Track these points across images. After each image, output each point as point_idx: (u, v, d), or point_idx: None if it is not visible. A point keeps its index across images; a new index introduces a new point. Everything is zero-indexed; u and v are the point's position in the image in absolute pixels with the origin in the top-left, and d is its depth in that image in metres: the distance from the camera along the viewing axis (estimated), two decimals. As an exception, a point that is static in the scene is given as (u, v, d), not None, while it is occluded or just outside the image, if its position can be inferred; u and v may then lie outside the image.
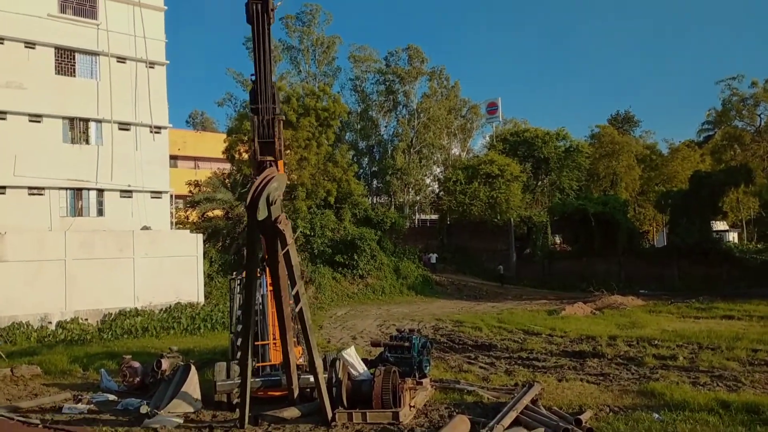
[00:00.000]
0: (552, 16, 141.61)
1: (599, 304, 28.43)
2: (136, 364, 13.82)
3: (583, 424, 9.07)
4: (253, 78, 8.44)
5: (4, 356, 17.50)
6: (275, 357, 12.09)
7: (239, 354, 11.22)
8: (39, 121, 27.15)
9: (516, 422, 9.28)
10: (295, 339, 11.70)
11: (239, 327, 12.26)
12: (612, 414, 10.06)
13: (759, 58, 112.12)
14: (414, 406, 10.65)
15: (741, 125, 46.34)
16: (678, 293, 34.96)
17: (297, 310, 9.32)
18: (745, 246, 50.47)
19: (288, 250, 8.62)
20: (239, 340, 11.03)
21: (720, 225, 54.86)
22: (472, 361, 15.94)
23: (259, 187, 7.81)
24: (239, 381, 11.11)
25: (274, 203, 7.87)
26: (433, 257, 47.80)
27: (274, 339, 12.09)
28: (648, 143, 63.91)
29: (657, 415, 9.76)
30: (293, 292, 9.24)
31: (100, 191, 28.55)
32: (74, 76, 28.27)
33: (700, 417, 9.52)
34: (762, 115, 44.24)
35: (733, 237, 57.59)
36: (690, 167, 51.31)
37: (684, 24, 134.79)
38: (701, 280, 38.85)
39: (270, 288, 12.28)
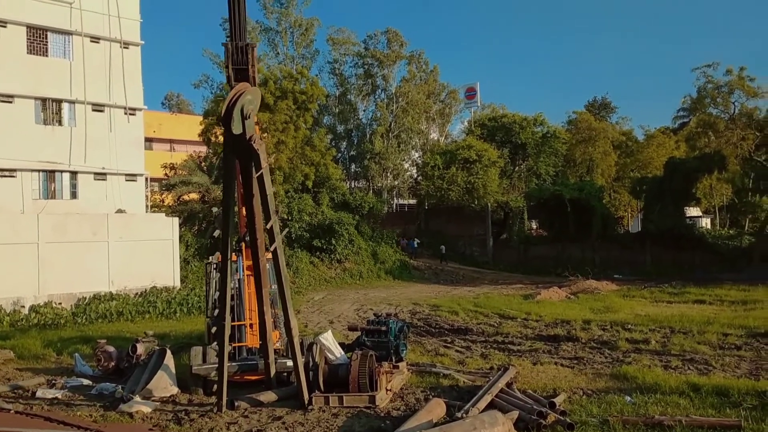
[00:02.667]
0: (531, 1, 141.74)
1: (574, 289, 28.77)
2: (111, 349, 13.70)
3: (557, 407, 9.18)
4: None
5: None
6: (252, 340, 12.08)
7: (215, 337, 11.22)
8: (10, 102, 26.57)
9: (491, 405, 9.37)
10: (273, 322, 11.69)
11: (215, 311, 12.23)
12: (585, 397, 10.21)
13: (734, 46, 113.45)
14: (390, 390, 10.71)
15: (715, 112, 46.82)
16: (651, 278, 35.53)
17: (272, 248, 9.44)
18: (717, 232, 51.35)
19: (262, 173, 8.69)
20: (215, 323, 11.04)
21: (693, 211, 55.73)
22: (449, 345, 16.06)
23: (233, 99, 7.91)
24: (215, 365, 11.10)
25: (248, 117, 8.01)
26: (415, 242, 47.89)
27: (251, 322, 12.08)
28: (624, 129, 64.44)
29: (629, 398, 9.92)
30: (267, 226, 9.27)
31: (74, 173, 28.09)
32: (47, 55, 27.66)
33: (671, 400, 9.70)
34: (736, 103, 44.69)
35: (705, 223, 58.53)
36: (665, 154, 51.85)
37: (661, 10, 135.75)
38: (674, 265, 39.51)
39: (247, 272, 12.26)
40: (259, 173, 8.71)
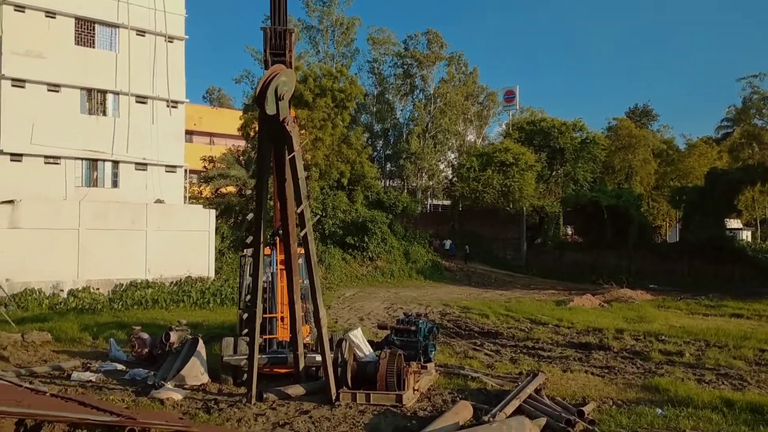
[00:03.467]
0: (573, 6, 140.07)
1: (608, 297, 28.37)
2: (145, 336, 13.97)
3: (586, 415, 9.09)
4: None
5: (12, 322, 17.72)
6: (282, 334, 12.20)
7: (247, 329, 11.38)
8: (57, 91, 27.30)
9: (519, 410, 9.32)
10: (304, 316, 11.80)
11: (248, 304, 12.39)
12: (615, 407, 10.07)
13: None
14: (418, 390, 10.71)
15: (761, 123, 45.80)
16: (688, 289, 34.81)
17: (302, 234, 9.48)
18: (758, 245, 50.13)
19: (294, 157, 8.73)
20: (247, 312, 11.20)
21: (734, 223, 54.47)
22: (478, 348, 15.98)
23: (268, 80, 7.94)
24: (246, 356, 11.24)
25: (282, 99, 8.01)
26: (448, 243, 47.70)
27: (282, 316, 12.20)
28: (665, 138, 63.24)
29: (660, 410, 9.76)
30: (298, 211, 9.32)
31: (116, 163, 28.73)
32: (93, 47, 28.36)
33: (703, 414, 9.50)
34: (782, 114, 43.79)
35: (746, 236, 57.20)
36: (706, 164, 50.81)
37: (708, 18, 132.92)
38: (712, 277, 38.65)
39: (280, 266, 12.39)
40: (291, 156, 8.74)
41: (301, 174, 9.03)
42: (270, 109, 7.97)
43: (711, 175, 43.64)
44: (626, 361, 14.29)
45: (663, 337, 17.32)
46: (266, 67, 8.53)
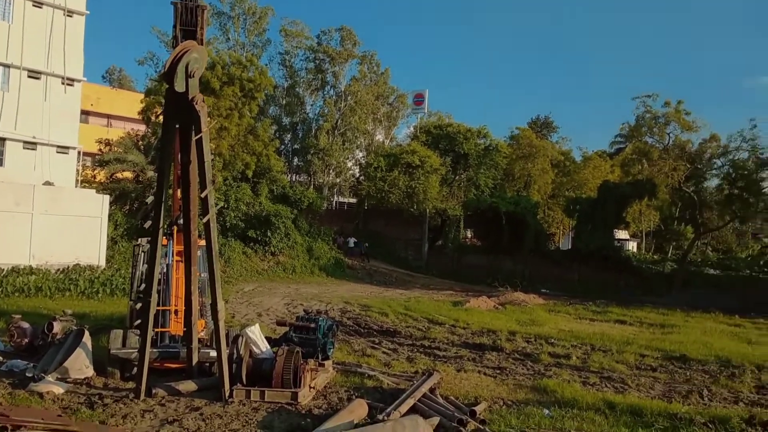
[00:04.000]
0: (483, 16, 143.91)
1: (502, 300, 29.27)
2: (26, 325, 13.09)
3: (478, 415, 9.29)
4: None
5: None
6: (176, 327, 11.78)
7: (138, 321, 10.90)
8: (-61, 59, 25.24)
9: (413, 409, 9.40)
10: (200, 310, 11.43)
11: (140, 295, 11.88)
12: (505, 407, 10.34)
13: (675, 78, 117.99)
14: (314, 388, 10.62)
15: (651, 141, 48.51)
16: (577, 295, 36.49)
17: (204, 220, 9.19)
18: (642, 256, 53.30)
19: (201, 137, 8.45)
20: (139, 304, 10.74)
21: (622, 234, 57.59)
22: (376, 346, 16.05)
23: (178, 55, 7.63)
24: (135, 350, 10.76)
25: (192, 76, 7.73)
26: (351, 241, 47.74)
27: (176, 308, 11.79)
28: (563, 149, 66.07)
29: (547, 411, 10.11)
30: (202, 195, 8.99)
31: (2, 140, 26.88)
32: (-16, 15, 26.42)
33: (587, 415, 9.92)
34: (671, 134, 46.41)
35: (632, 246, 60.69)
36: (600, 176, 53.44)
37: (611, 38, 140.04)
38: (599, 284, 40.71)
39: (176, 258, 11.95)
40: (198, 136, 8.46)
41: (207, 157, 8.73)
42: (179, 86, 7.68)
43: (603, 187, 45.98)
44: (517, 363, 14.75)
45: (552, 340, 18.02)
46: (176, 44, 8.16)
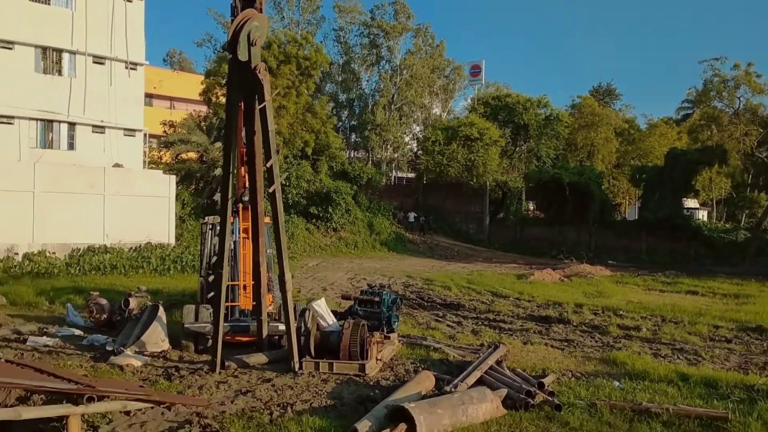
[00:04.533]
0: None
1: (568, 272, 28.83)
2: (104, 301, 13.67)
3: (546, 387, 9.19)
4: None
5: None
6: (245, 302, 12.07)
7: (209, 295, 11.21)
8: (11, 48, 26.26)
9: (480, 381, 9.37)
10: (267, 285, 11.66)
11: (210, 271, 12.21)
12: (574, 379, 10.21)
13: (744, 41, 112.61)
14: (381, 360, 10.72)
15: (720, 106, 46.55)
16: (645, 266, 35.59)
17: (270, 190, 9.23)
18: (713, 225, 51.42)
19: (265, 107, 8.50)
20: (211, 277, 11.02)
21: (691, 203, 55.73)
22: (440, 319, 16.07)
23: (240, 24, 7.68)
24: (207, 324, 11.09)
25: (254, 44, 7.77)
26: (411, 216, 47.68)
27: (245, 285, 12.06)
28: (627, 117, 64.10)
29: (618, 383, 9.93)
30: (267, 165, 9.04)
31: (72, 125, 27.88)
32: (49, 3, 27.32)
33: (659, 387, 9.69)
34: (741, 98, 44.41)
35: (702, 215, 58.64)
36: (666, 144, 51.68)
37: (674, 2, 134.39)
38: (669, 254, 39.59)
39: (243, 234, 12.20)
40: (261, 105, 8.50)
41: (272, 126, 8.78)
42: (242, 55, 7.72)
43: (670, 155, 44.43)
44: (585, 335, 14.52)
45: (621, 312, 17.65)
46: (235, 14, 8.21)
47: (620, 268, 33.95)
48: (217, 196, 10.24)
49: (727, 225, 50.48)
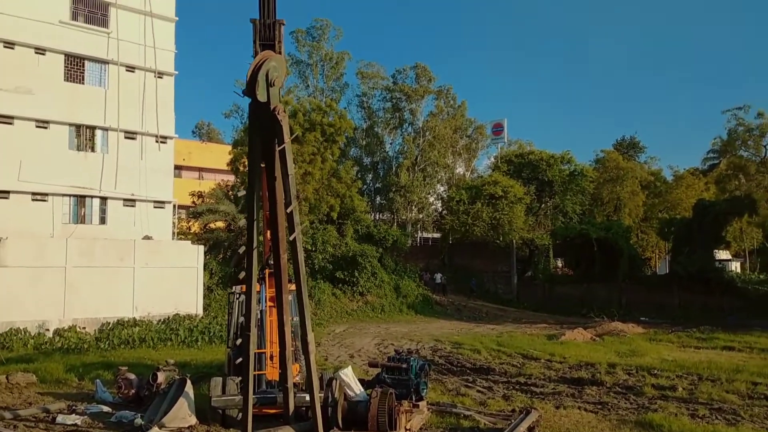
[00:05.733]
0: (559, 40, 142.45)
1: (599, 331, 28.24)
2: (132, 376, 13.74)
3: (580, 454, 8.96)
4: None
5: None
6: (271, 373, 12.02)
7: (237, 366, 11.17)
8: (46, 127, 27.26)
9: (512, 450, 9.18)
10: (294, 353, 11.63)
11: (237, 341, 12.23)
12: (609, 445, 9.94)
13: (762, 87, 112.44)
14: (410, 429, 10.56)
15: (746, 155, 46.30)
16: (679, 322, 34.75)
17: (291, 238, 9.10)
18: (747, 276, 50.24)
19: (284, 148, 8.49)
20: (236, 355, 10.99)
21: (723, 254, 54.71)
22: (470, 385, 15.82)
23: (258, 65, 7.74)
24: (234, 397, 11.05)
25: (273, 85, 7.80)
26: (438, 277, 47.28)
27: (272, 354, 12.04)
28: (653, 169, 63.85)
29: (655, 448, 9.65)
30: (288, 210, 8.93)
31: (104, 199, 28.58)
32: (83, 83, 28.42)
33: (698, 451, 9.40)
34: (767, 146, 44.19)
35: (735, 267, 57.40)
36: (694, 195, 51.22)
37: (693, 51, 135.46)
38: (702, 309, 38.62)
39: (269, 303, 12.25)
40: (281, 147, 8.51)
41: (291, 169, 8.76)
42: (261, 96, 7.78)
43: (698, 206, 43.92)
44: (619, 397, 14.17)
45: (655, 371, 17.23)
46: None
47: (653, 324, 33.18)
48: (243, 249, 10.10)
49: (761, 276, 49.27)
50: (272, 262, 11.16)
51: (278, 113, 8.17)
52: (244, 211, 35.61)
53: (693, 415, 12.16)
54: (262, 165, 8.96)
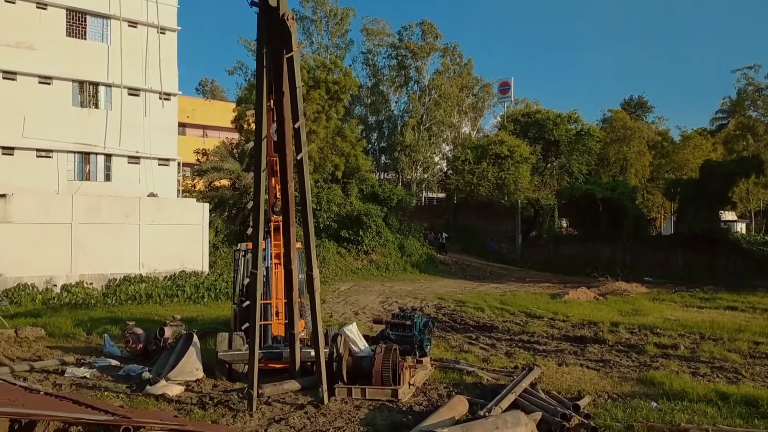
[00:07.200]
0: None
1: (603, 290, 28.35)
2: (140, 331, 13.90)
3: (581, 409, 9.06)
4: None
5: (7, 318, 17.63)
6: (277, 328, 12.14)
7: (242, 324, 11.27)
8: (49, 83, 27.11)
9: (514, 405, 9.28)
10: (300, 310, 11.70)
11: (243, 298, 12.32)
12: (610, 401, 10.05)
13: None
14: (413, 385, 10.69)
15: (755, 115, 45.76)
16: (682, 282, 34.85)
17: (298, 157, 9.07)
18: (752, 237, 50.21)
19: (292, 56, 8.42)
20: (242, 314, 11.02)
21: (728, 215, 54.56)
22: (473, 342, 15.95)
23: None
24: (240, 352, 11.18)
25: None
26: (442, 236, 47.32)
27: (278, 311, 12.13)
28: (660, 130, 63.31)
29: (655, 404, 9.75)
30: (296, 126, 8.83)
31: (108, 156, 28.57)
32: (85, 38, 28.15)
33: (698, 408, 9.48)
34: (777, 106, 43.71)
35: (741, 227, 57.35)
36: (701, 156, 50.83)
37: (703, 8, 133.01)
38: (706, 269, 38.69)
39: (275, 260, 12.29)
40: (290, 55, 8.42)
41: (299, 81, 8.67)
42: (272, 0, 7.73)
43: (705, 167, 43.60)
44: (621, 355, 14.27)
45: (658, 330, 17.33)
46: None
47: (657, 284, 33.30)
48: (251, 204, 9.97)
49: (766, 237, 49.23)
50: (278, 209, 11.09)
51: (287, 19, 8.06)
52: (249, 168, 35.66)
53: (694, 373, 12.25)
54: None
